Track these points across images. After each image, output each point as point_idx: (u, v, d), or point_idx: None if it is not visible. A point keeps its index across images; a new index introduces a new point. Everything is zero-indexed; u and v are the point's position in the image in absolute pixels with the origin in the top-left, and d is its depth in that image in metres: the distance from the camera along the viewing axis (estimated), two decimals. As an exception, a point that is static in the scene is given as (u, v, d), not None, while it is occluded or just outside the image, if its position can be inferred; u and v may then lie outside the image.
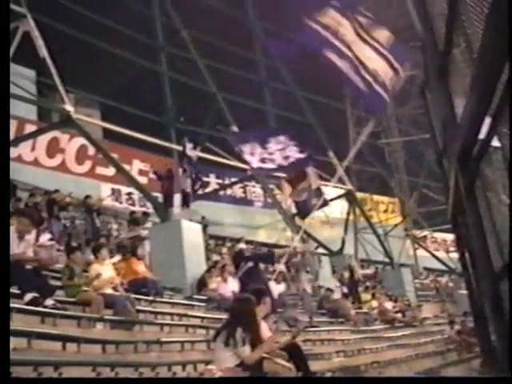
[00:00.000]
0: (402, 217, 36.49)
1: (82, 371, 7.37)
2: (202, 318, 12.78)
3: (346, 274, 22.91)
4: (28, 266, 9.02)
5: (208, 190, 25.56)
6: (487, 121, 4.58)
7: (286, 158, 16.01)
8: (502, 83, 3.87)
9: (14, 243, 8.60)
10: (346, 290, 21.29)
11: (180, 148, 18.05)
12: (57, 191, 17.04)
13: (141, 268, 12.94)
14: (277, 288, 15.94)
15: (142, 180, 22.30)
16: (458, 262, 13.04)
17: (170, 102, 27.75)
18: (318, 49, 14.49)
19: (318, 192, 19.88)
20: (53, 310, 8.69)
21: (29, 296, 8.47)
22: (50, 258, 11.50)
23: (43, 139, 21.13)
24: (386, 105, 15.40)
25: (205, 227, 18.99)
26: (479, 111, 4.63)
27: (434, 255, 34.39)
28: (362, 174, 35.69)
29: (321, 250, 24.22)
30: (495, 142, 4.60)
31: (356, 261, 26.38)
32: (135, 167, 24.19)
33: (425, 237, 37.15)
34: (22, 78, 19.16)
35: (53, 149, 21.83)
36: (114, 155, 19.20)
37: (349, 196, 27.24)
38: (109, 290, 10.46)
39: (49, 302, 8.76)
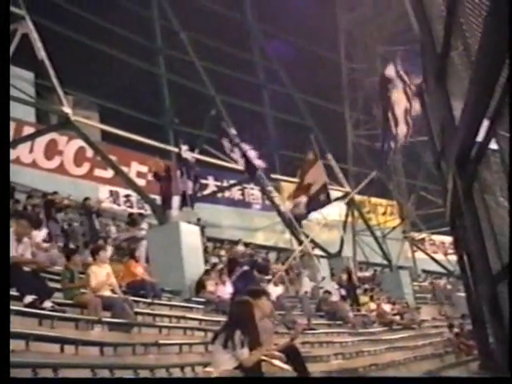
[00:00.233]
0: (400, 219, 36.52)
1: (80, 373, 7.36)
2: (201, 320, 12.78)
3: (345, 277, 22.91)
4: (27, 269, 9.03)
5: (206, 192, 25.55)
6: (485, 123, 4.59)
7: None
8: (500, 86, 3.88)
9: (12, 246, 8.60)
10: (344, 292, 21.28)
11: (177, 150, 18.08)
12: (55, 193, 17.04)
13: (139, 270, 12.95)
14: (275, 290, 15.96)
15: (140, 182, 22.28)
16: (457, 265, 13.08)
17: (169, 104, 27.75)
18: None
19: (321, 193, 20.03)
20: (51, 312, 8.68)
21: (29, 298, 8.47)
22: (49, 260, 11.52)
23: (41, 141, 21.11)
24: None
25: (202, 229, 18.97)
26: (477, 114, 4.64)
27: (432, 258, 34.37)
28: (361, 176, 35.71)
29: (319, 252, 24.22)
30: (493, 145, 4.61)
31: (354, 263, 26.41)
32: (133, 169, 24.17)
33: (423, 239, 37.17)
34: (20, 79, 19.16)
35: (51, 151, 21.81)
36: (113, 157, 19.19)
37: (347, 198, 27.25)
38: (107, 292, 10.45)
39: (47, 304, 8.75)
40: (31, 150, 21.07)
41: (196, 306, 13.81)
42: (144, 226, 16.85)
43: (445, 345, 20.20)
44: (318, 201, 20.28)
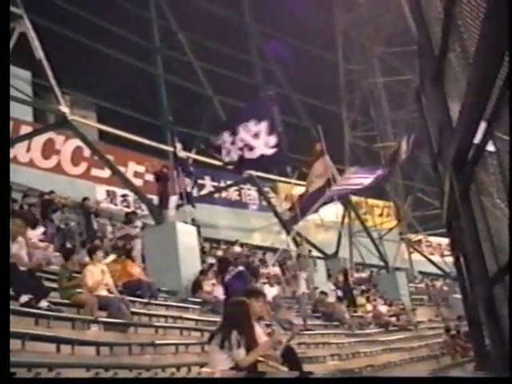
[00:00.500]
0: (396, 221, 36.53)
1: (76, 373, 7.35)
2: (197, 320, 12.78)
3: (341, 278, 22.94)
4: (23, 268, 9.02)
5: (203, 192, 25.56)
6: (482, 125, 4.59)
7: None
8: (498, 88, 3.89)
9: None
10: (340, 293, 21.30)
11: (173, 149, 18.04)
12: (52, 192, 17.03)
13: (135, 270, 12.95)
14: (270, 291, 15.96)
15: (138, 182, 22.29)
16: (453, 266, 13.07)
17: (166, 104, 27.74)
18: None
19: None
20: (47, 312, 8.68)
21: (24, 298, 8.47)
22: (45, 260, 11.52)
23: (39, 140, 21.09)
24: None
25: (198, 229, 18.94)
26: (474, 116, 4.65)
27: (428, 259, 34.42)
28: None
29: (316, 254, 24.24)
30: (490, 147, 4.61)
31: (351, 264, 26.43)
32: (130, 169, 24.16)
33: (419, 241, 37.20)
34: (17, 79, 19.14)
35: (48, 150, 21.79)
36: (110, 157, 19.18)
37: (344, 199, 27.23)
38: (103, 292, 10.45)
39: (43, 303, 8.75)
40: (28, 150, 21.05)
41: (192, 307, 13.81)
42: (138, 223, 16.81)
43: (441, 347, 20.23)
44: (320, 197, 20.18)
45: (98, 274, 10.53)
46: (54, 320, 8.63)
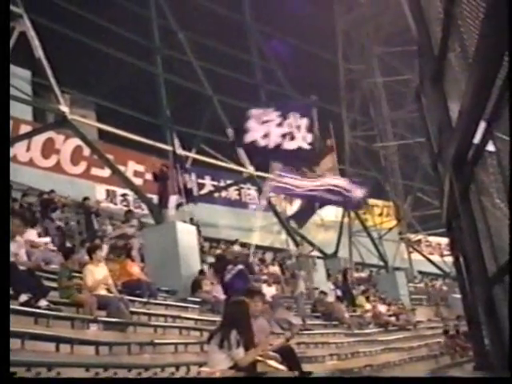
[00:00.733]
0: (396, 220, 36.52)
1: (75, 372, 7.35)
2: (196, 320, 12.78)
3: (340, 277, 22.96)
4: (22, 267, 9.02)
5: (203, 191, 25.57)
6: (482, 125, 4.59)
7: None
8: (497, 88, 3.89)
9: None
10: (340, 293, 21.31)
11: (171, 147, 18.02)
12: (52, 192, 17.03)
13: (135, 269, 12.94)
14: (268, 291, 15.97)
15: (137, 181, 22.29)
16: (452, 266, 13.06)
17: (166, 103, 27.72)
18: None
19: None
20: (46, 311, 8.68)
21: (24, 297, 8.46)
22: (44, 259, 11.52)
23: (38, 140, 21.11)
24: None
25: (198, 228, 18.94)
26: (474, 116, 4.65)
27: (428, 259, 34.43)
28: (357, 177, 35.70)
29: (315, 253, 24.25)
30: (490, 147, 4.61)
31: (351, 264, 26.44)
32: (130, 168, 24.17)
33: (419, 240, 37.20)
34: (17, 78, 19.13)
35: (48, 149, 21.80)
36: (110, 156, 19.19)
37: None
38: (103, 292, 10.45)
39: (42, 302, 8.75)
40: (28, 149, 21.06)
41: (192, 306, 13.80)
42: (134, 222, 16.79)
43: (440, 347, 20.24)
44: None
45: (98, 274, 10.53)
46: (53, 319, 8.63)
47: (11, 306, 7.92)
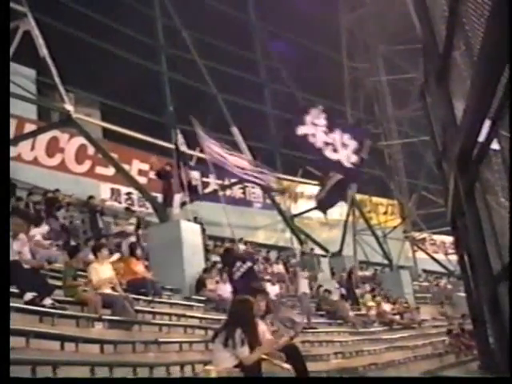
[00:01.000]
0: (401, 219, 36.50)
1: (80, 371, 7.36)
2: (201, 318, 12.80)
3: (345, 275, 22.95)
4: (26, 266, 9.04)
5: (207, 190, 25.54)
6: (487, 123, 4.59)
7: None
8: (502, 86, 3.88)
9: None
10: (344, 291, 21.29)
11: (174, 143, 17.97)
12: (57, 191, 17.05)
13: (140, 268, 12.94)
14: (272, 289, 15.96)
15: (142, 180, 22.29)
16: (457, 265, 13.05)
17: (170, 102, 27.71)
18: None
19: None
20: (51, 310, 8.69)
21: (29, 295, 8.48)
22: (49, 257, 11.53)
23: (43, 138, 21.10)
24: None
25: (202, 227, 18.94)
26: (479, 114, 4.64)
27: (432, 257, 34.36)
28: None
29: (320, 252, 24.26)
30: (495, 145, 4.60)
31: (355, 262, 26.42)
32: (135, 167, 24.17)
33: (424, 239, 37.16)
34: (21, 77, 19.13)
35: (52, 148, 21.80)
36: (114, 155, 19.20)
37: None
38: (107, 290, 10.46)
39: (47, 301, 8.77)
40: (33, 148, 21.06)
41: (196, 304, 13.83)
42: (133, 220, 16.77)
43: (445, 346, 20.22)
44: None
45: (103, 272, 10.55)
46: (58, 318, 8.65)
47: (16, 305, 7.95)
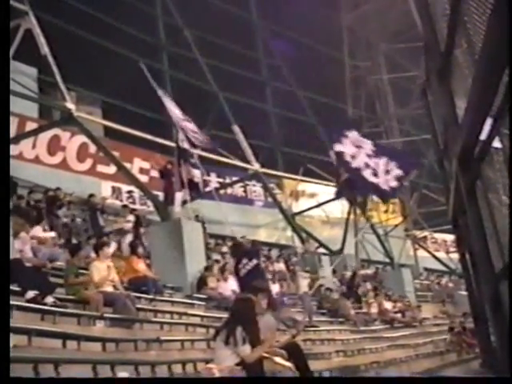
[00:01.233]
0: (402, 217, 36.46)
1: (81, 369, 7.37)
2: (202, 316, 12.80)
3: (347, 274, 22.95)
4: (28, 264, 9.05)
5: (209, 188, 25.55)
6: (488, 122, 4.58)
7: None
8: (504, 84, 3.87)
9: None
10: (345, 289, 21.29)
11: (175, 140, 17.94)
12: (58, 189, 17.05)
13: (141, 266, 12.95)
14: (273, 288, 15.94)
15: (143, 178, 22.27)
16: (459, 263, 13.04)
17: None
18: None
19: None
20: (53, 308, 8.70)
21: (30, 294, 8.49)
22: (51, 256, 11.54)
23: (44, 137, 21.08)
24: None
25: (203, 225, 18.93)
26: (480, 112, 4.64)
27: (434, 256, 34.33)
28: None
29: (321, 250, 24.25)
30: (496, 143, 4.60)
31: (357, 261, 26.39)
32: (136, 165, 24.15)
33: (425, 237, 37.11)
34: (23, 75, 19.15)
35: (54, 146, 21.78)
36: (115, 153, 19.19)
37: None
38: (109, 288, 10.47)
39: (49, 299, 8.78)
40: (34, 146, 21.05)
41: (197, 303, 13.82)
42: (130, 218, 16.78)
43: (447, 344, 20.22)
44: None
45: (104, 270, 10.55)
46: (59, 316, 8.65)
47: (18, 303, 7.96)
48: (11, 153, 17.86)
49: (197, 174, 16.72)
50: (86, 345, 8.25)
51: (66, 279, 10.35)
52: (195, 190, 16.72)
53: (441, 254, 35.00)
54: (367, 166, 16.94)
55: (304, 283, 18.23)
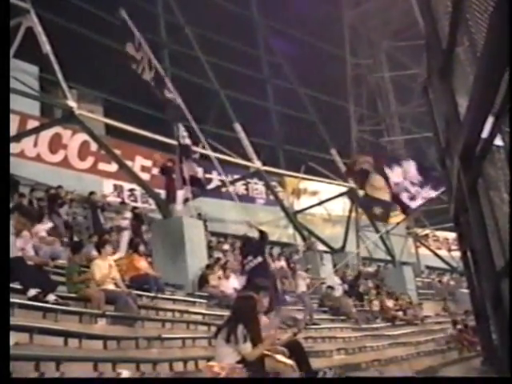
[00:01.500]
0: (404, 215, 36.40)
1: (83, 367, 7.38)
2: (204, 314, 12.81)
3: (349, 272, 22.94)
4: (30, 262, 9.05)
5: (210, 186, 25.55)
6: (490, 120, 4.58)
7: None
8: (505, 82, 3.87)
9: (10, 240, 8.60)
10: (347, 287, 21.29)
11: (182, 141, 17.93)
12: (59, 187, 17.06)
13: (143, 264, 12.95)
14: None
15: (145, 176, 22.29)
16: (460, 261, 13.04)
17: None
18: None
19: None
20: (55, 306, 8.71)
21: (32, 291, 8.49)
22: (52, 254, 11.55)
23: (46, 135, 21.10)
24: None
25: (205, 223, 18.94)
26: (482, 110, 4.63)
27: (435, 254, 34.34)
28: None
29: (323, 248, 24.24)
30: (498, 141, 4.60)
31: (358, 259, 26.40)
32: (137, 163, 24.16)
33: (427, 235, 37.10)
34: (24, 73, 19.12)
35: (55, 144, 21.80)
36: (117, 151, 19.18)
37: (351, 194, 27.16)
38: (111, 286, 10.48)
39: (51, 297, 8.78)
40: (35, 144, 21.06)
41: (199, 301, 13.83)
42: (127, 215, 16.76)
43: (447, 341, 20.20)
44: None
45: (106, 268, 10.57)
46: (61, 314, 8.67)
47: (20, 301, 7.97)
48: (13, 151, 17.90)
49: (199, 170, 16.66)
50: (88, 343, 8.26)
51: (68, 277, 10.36)
52: (198, 186, 16.69)
53: (442, 252, 35.02)
54: (406, 190, 17.18)
55: (302, 283, 18.20)
